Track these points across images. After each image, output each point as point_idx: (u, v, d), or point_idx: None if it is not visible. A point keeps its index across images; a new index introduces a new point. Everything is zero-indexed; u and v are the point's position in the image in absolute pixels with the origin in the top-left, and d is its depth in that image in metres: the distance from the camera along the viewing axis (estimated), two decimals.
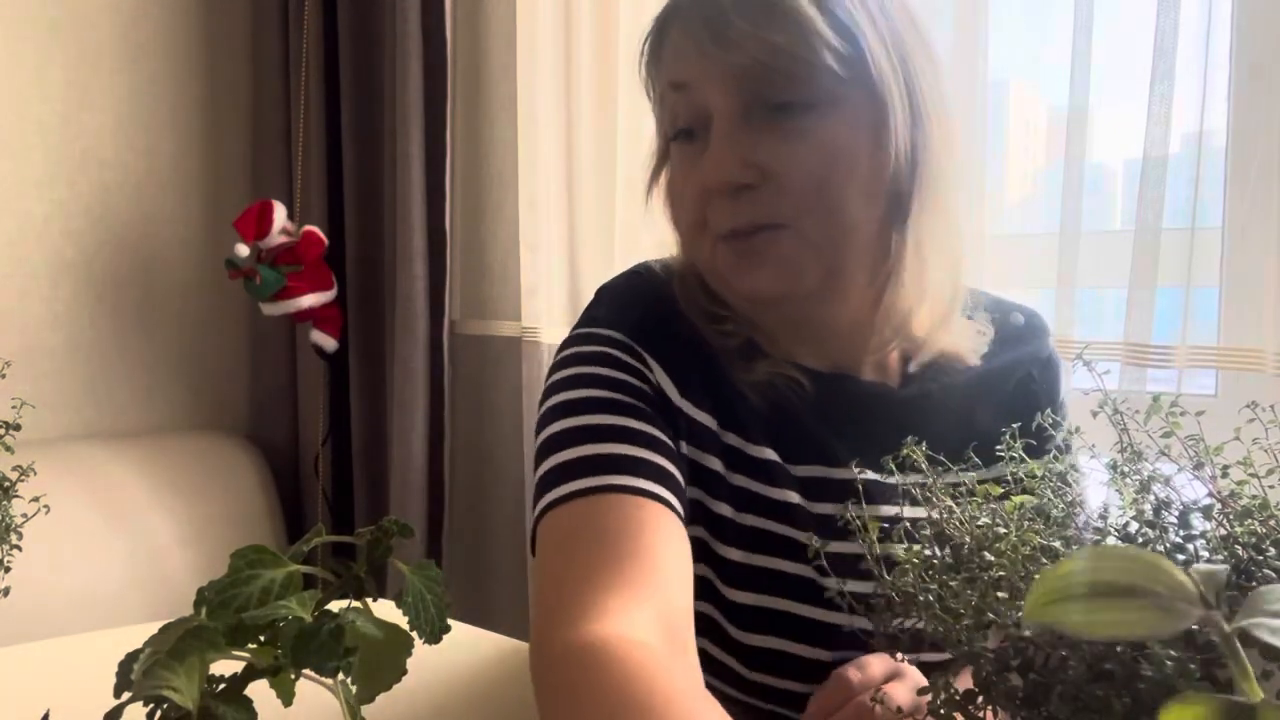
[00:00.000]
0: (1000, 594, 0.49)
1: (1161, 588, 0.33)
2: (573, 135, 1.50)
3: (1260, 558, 0.46)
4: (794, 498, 0.74)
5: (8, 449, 0.85)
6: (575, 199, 1.51)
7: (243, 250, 1.55)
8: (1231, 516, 0.48)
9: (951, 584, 0.51)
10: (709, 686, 0.68)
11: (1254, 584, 0.44)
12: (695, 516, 0.73)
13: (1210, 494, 0.50)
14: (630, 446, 0.68)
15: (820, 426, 0.77)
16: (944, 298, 0.75)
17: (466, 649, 0.98)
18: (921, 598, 0.51)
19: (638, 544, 0.63)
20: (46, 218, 1.55)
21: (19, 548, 0.83)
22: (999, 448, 0.61)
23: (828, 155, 0.69)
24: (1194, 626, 0.32)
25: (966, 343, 0.78)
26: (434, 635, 0.44)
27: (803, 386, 0.76)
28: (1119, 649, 0.42)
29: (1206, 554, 0.48)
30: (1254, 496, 0.50)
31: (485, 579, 1.49)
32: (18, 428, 0.86)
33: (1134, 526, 0.50)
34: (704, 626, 0.74)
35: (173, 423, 1.71)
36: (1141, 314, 1.11)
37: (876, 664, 0.69)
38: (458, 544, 1.62)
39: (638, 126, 1.41)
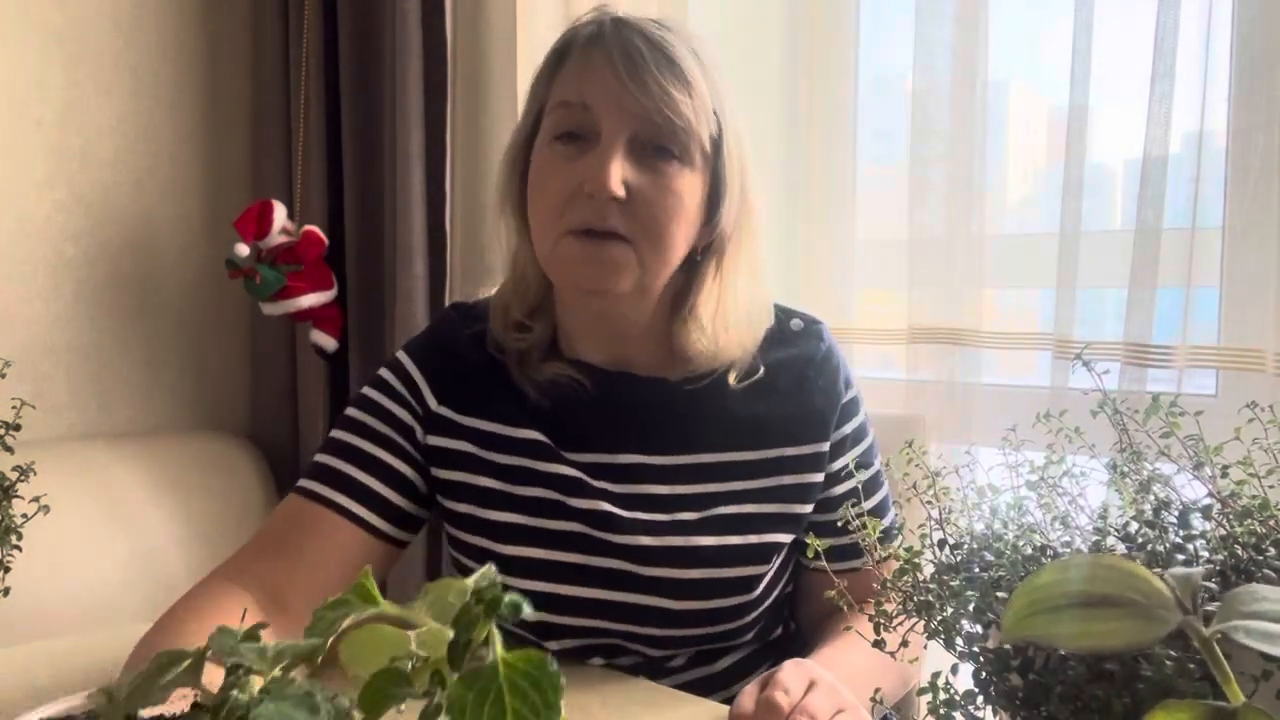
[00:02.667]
0: (1000, 594, 0.49)
1: (1138, 595, 0.33)
2: None
3: (1260, 558, 0.46)
4: (573, 473, 0.92)
5: (8, 449, 0.85)
6: None
7: (243, 250, 1.55)
8: (1231, 516, 0.48)
9: (952, 584, 0.51)
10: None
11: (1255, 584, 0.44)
12: (463, 494, 0.94)
13: (1210, 494, 0.50)
14: (343, 462, 0.94)
15: (598, 419, 0.94)
16: (739, 320, 0.94)
17: None
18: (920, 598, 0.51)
19: (284, 533, 0.93)
20: (46, 218, 1.54)
21: (19, 548, 0.84)
22: (772, 432, 0.93)
23: (675, 201, 0.88)
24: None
25: (746, 360, 0.95)
26: None
27: (583, 385, 0.94)
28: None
29: (1206, 554, 0.48)
30: (1254, 496, 0.50)
31: None
32: (18, 428, 0.86)
33: (1134, 526, 0.50)
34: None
35: (173, 423, 1.71)
36: (1141, 314, 1.11)
37: (793, 680, 0.76)
38: None
39: None
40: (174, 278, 1.70)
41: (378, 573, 0.96)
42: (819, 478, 0.95)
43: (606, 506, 0.91)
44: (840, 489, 0.96)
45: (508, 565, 0.91)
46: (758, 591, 0.93)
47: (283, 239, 1.57)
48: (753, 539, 0.92)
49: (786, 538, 0.94)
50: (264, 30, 1.75)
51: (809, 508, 0.95)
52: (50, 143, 1.55)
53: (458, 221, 1.54)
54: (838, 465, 0.96)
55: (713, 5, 1.53)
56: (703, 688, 0.95)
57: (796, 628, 1.05)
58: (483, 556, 0.93)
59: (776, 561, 0.95)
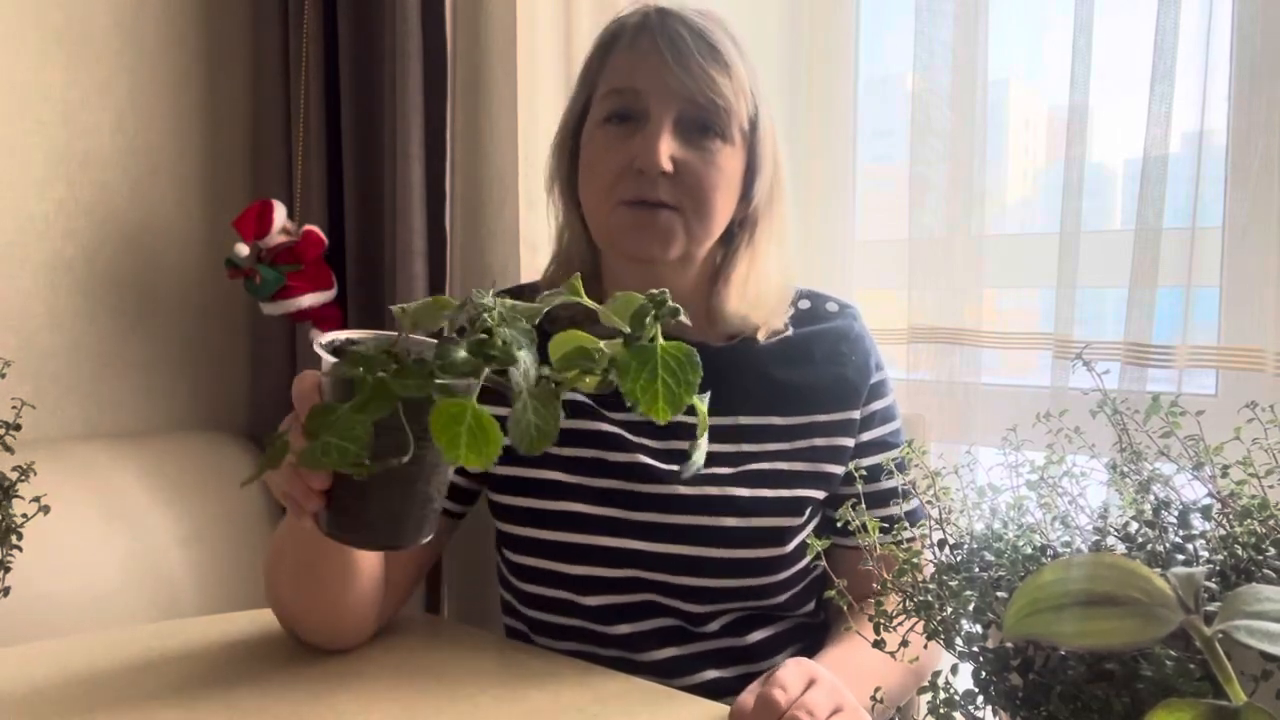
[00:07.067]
0: (1000, 594, 0.49)
1: (1140, 594, 0.33)
2: None
3: (1260, 558, 0.46)
4: (614, 429, 0.98)
5: (8, 449, 0.86)
6: None
7: (242, 250, 1.55)
8: (1231, 516, 0.48)
9: (951, 584, 0.51)
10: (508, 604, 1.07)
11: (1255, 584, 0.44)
12: (509, 459, 1.00)
13: (1210, 494, 0.50)
14: None
15: None
16: (771, 285, 1.03)
17: (466, 649, 0.98)
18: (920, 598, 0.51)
19: None
20: (46, 218, 1.54)
21: (19, 548, 0.84)
22: (805, 400, 1.00)
23: (719, 174, 0.96)
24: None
25: (775, 321, 1.04)
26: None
27: None
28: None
29: (1206, 554, 0.48)
30: (1254, 496, 0.49)
31: (485, 579, 1.49)
32: (18, 428, 0.86)
33: (1134, 526, 0.50)
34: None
35: (173, 423, 1.71)
36: (1141, 314, 1.11)
37: (792, 677, 0.78)
38: (456, 544, 1.62)
39: None
40: (174, 278, 1.70)
41: (439, 544, 1.07)
42: (850, 443, 1.01)
43: (644, 459, 0.97)
44: (869, 460, 0.98)
45: (548, 520, 0.97)
46: (789, 547, 0.97)
47: (283, 239, 1.57)
48: (785, 492, 0.97)
49: (819, 494, 0.99)
50: (264, 30, 1.75)
51: (840, 469, 1.00)
52: (50, 143, 1.55)
53: (458, 221, 1.53)
54: (867, 437, 1.02)
55: (712, 5, 1.52)
56: (731, 659, 0.98)
57: (827, 617, 1.07)
58: (525, 515, 0.98)
59: (809, 518, 0.99)
